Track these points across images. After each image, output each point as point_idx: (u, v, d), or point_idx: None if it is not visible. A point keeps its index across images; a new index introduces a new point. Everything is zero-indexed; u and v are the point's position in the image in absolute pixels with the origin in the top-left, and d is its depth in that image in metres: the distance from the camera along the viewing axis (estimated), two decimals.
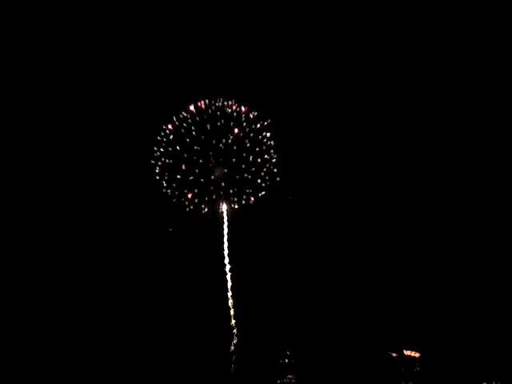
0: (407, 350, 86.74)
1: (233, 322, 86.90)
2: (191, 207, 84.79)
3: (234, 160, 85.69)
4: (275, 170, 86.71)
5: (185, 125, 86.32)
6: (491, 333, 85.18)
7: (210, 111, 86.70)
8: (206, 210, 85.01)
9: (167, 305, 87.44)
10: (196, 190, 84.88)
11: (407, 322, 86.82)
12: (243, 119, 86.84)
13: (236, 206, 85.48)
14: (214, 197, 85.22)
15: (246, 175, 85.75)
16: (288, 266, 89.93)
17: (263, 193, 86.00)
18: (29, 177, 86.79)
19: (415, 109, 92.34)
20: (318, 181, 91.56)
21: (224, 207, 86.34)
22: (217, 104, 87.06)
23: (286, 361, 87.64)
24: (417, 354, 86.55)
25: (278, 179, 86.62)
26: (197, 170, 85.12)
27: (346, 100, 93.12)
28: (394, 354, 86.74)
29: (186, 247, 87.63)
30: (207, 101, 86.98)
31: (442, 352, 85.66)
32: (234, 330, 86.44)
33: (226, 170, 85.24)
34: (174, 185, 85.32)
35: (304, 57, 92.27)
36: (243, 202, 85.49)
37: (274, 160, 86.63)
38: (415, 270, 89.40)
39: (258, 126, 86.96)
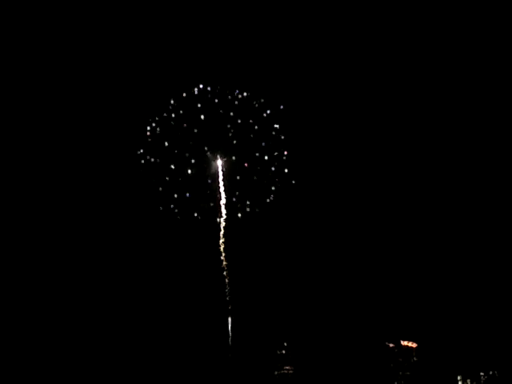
0: (404, 340, 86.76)
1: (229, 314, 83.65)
2: (181, 215, 75.03)
3: (234, 158, 75.48)
4: (286, 170, 76.80)
5: (174, 115, 74.72)
6: (488, 322, 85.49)
7: (205, 99, 74.93)
8: (199, 218, 75.54)
9: (162, 300, 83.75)
10: (188, 195, 74.78)
11: (404, 312, 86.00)
12: (246, 108, 75.54)
13: (239, 215, 76.19)
14: (210, 204, 75.54)
15: (250, 176, 75.84)
16: (285, 257, 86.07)
17: (271, 198, 76.30)
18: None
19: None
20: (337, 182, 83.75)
21: (222, 215, 76.59)
22: (214, 90, 75.12)
23: (284, 352, 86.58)
24: (414, 345, 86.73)
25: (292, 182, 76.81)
26: (189, 171, 74.67)
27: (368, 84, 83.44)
28: (391, 345, 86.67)
29: (180, 247, 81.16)
30: (201, 86, 74.79)
31: (439, 342, 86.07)
32: (230, 322, 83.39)
33: (224, 169, 75.45)
34: (161, 188, 74.91)
35: (314, 37, 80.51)
36: (247, 209, 75.84)
37: (284, 157, 76.39)
38: (411, 261, 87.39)
39: (265, 115, 75.61)
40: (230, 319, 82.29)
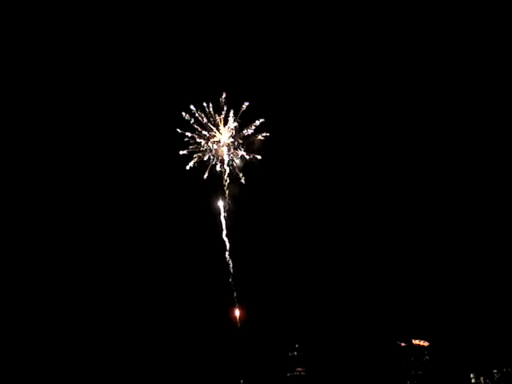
0: (416, 339, 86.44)
1: (238, 314, 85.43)
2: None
3: None
4: None
5: None
6: (501, 320, 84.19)
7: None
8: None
9: (168, 299, 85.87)
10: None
11: (415, 311, 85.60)
12: None
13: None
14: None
15: None
16: (295, 257, 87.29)
17: None
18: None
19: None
20: None
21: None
22: None
23: (295, 353, 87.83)
24: (426, 343, 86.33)
25: None
26: None
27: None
28: (403, 344, 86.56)
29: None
30: None
31: (451, 340, 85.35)
32: (239, 324, 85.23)
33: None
34: None
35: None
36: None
37: None
38: (423, 259, 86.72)
39: None
40: (239, 323, 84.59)
